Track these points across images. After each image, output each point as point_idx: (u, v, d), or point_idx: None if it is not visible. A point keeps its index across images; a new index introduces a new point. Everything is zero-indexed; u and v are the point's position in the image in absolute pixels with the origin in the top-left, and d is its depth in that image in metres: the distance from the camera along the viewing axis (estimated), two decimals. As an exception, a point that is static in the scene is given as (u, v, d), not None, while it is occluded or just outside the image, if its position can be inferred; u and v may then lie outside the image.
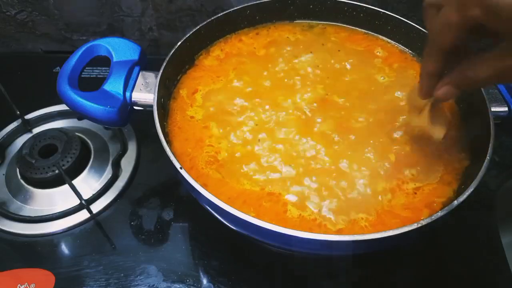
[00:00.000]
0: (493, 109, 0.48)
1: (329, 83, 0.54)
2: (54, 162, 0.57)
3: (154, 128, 0.45)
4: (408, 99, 0.47)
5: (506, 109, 0.50)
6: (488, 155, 0.42)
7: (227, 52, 0.59)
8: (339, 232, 0.41)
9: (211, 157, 0.47)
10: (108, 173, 0.61)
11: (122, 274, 0.52)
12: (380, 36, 0.61)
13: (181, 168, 0.41)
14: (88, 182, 0.60)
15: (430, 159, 0.47)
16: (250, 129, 0.49)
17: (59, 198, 0.58)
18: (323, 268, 0.53)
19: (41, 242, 0.55)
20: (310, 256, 0.52)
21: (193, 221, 0.57)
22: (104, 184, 0.59)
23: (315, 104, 0.52)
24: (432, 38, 0.37)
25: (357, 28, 0.62)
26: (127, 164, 0.62)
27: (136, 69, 0.53)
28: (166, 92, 0.52)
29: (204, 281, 0.51)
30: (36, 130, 0.67)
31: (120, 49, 0.53)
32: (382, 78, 0.55)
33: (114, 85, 0.50)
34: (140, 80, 0.52)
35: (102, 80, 0.51)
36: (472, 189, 0.40)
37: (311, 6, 0.62)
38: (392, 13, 0.58)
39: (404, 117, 0.50)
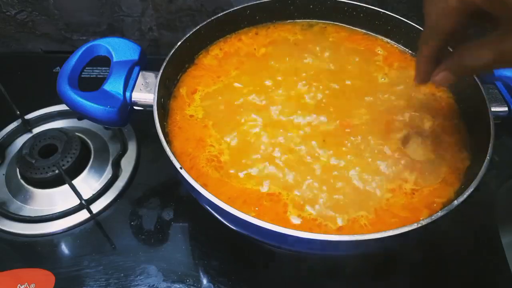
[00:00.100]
0: (493, 109, 0.48)
1: (329, 83, 0.54)
2: (54, 162, 0.57)
3: (154, 128, 0.45)
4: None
5: (506, 109, 0.50)
6: (488, 155, 0.42)
7: (226, 52, 0.59)
8: (339, 231, 0.41)
9: (211, 157, 0.47)
10: (108, 173, 0.61)
11: (122, 274, 0.52)
12: (380, 36, 0.61)
13: (181, 168, 0.41)
14: (88, 182, 0.60)
15: (432, 160, 0.47)
16: (250, 129, 0.49)
17: (59, 198, 0.58)
18: (324, 268, 0.53)
19: (41, 242, 0.55)
20: (310, 256, 0.52)
21: (193, 221, 0.57)
22: (104, 184, 0.59)
23: (315, 104, 0.52)
24: (430, 22, 0.36)
25: (357, 28, 0.62)
26: (127, 164, 0.62)
27: (136, 69, 0.53)
28: (166, 92, 0.52)
29: (204, 281, 0.51)
30: (36, 130, 0.67)
31: (120, 49, 0.53)
32: (383, 79, 0.55)
33: (114, 85, 0.50)
34: (140, 80, 0.52)
35: (102, 80, 0.51)
36: (472, 189, 0.40)
37: (311, 6, 0.62)
38: (392, 13, 0.58)
39: (404, 117, 0.50)
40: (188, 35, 0.55)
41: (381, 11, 0.59)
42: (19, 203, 0.58)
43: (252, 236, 0.41)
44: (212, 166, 0.46)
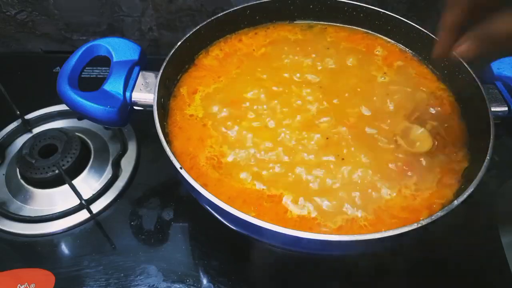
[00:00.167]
0: (493, 109, 0.48)
1: (328, 82, 0.54)
2: (54, 162, 0.57)
3: (154, 128, 0.45)
4: None
5: (506, 109, 0.50)
6: (488, 155, 0.42)
7: (226, 52, 0.59)
8: (338, 231, 0.41)
9: (211, 157, 0.47)
10: (108, 173, 0.61)
11: (122, 274, 0.52)
12: (380, 36, 0.61)
13: (181, 168, 0.41)
14: (88, 182, 0.60)
15: (431, 160, 0.47)
16: (250, 129, 0.49)
17: (59, 198, 0.58)
18: (324, 268, 0.53)
19: (41, 242, 0.55)
20: (310, 256, 0.52)
21: (193, 221, 0.57)
22: (104, 184, 0.59)
23: (315, 104, 0.52)
24: None
25: (357, 28, 0.62)
26: (127, 164, 0.62)
27: (136, 69, 0.53)
28: (166, 92, 0.52)
29: (204, 281, 0.51)
30: (36, 130, 0.67)
31: (120, 49, 0.53)
32: (383, 78, 0.55)
33: (114, 85, 0.50)
34: (140, 80, 0.52)
35: (102, 80, 0.51)
36: (472, 189, 0.40)
37: (311, 6, 0.62)
38: (392, 13, 0.58)
39: (404, 117, 0.51)
40: (188, 35, 0.55)
41: (381, 11, 0.59)
42: (19, 203, 0.58)
43: (252, 236, 0.41)
44: (212, 166, 0.46)
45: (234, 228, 0.42)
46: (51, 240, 0.55)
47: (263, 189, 0.44)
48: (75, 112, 0.50)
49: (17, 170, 0.60)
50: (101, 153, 0.63)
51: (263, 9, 0.61)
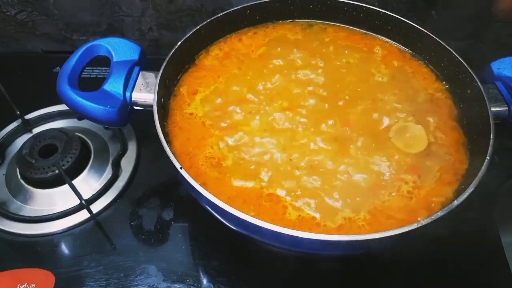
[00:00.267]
0: (493, 109, 0.48)
1: (328, 82, 0.54)
2: (54, 162, 0.57)
3: (154, 128, 0.45)
4: None
5: (506, 109, 0.50)
6: (488, 155, 0.42)
7: (226, 52, 0.59)
8: (338, 230, 0.41)
9: (210, 156, 0.47)
10: (108, 173, 0.61)
11: (122, 274, 0.52)
12: (379, 36, 0.61)
13: (181, 168, 0.41)
14: (88, 182, 0.60)
15: (431, 160, 0.47)
16: (250, 128, 0.49)
17: (59, 198, 0.58)
18: (323, 268, 0.53)
19: (41, 242, 0.55)
20: (310, 256, 0.52)
21: (193, 221, 0.57)
22: (104, 184, 0.59)
23: (314, 104, 0.52)
24: None
25: (357, 28, 0.62)
26: (127, 164, 0.62)
27: (136, 69, 0.53)
28: (166, 92, 0.52)
29: (204, 281, 0.51)
30: (36, 130, 0.67)
31: (120, 49, 0.53)
32: (381, 78, 0.55)
33: (114, 85, 0.50)
34: (140, 80, 0.52)
35: (102, 80, 0.51)
36: (472, 189, 0.40)
37: (311, 6, 0.62)
38: (392, 13, 0.58)
39: (404, 116, 0.51)
40: (188, 35, 0.55)
41: (381, 11, 0.59)
42: (19, 203, 0.58)
43: (252, 236, 0.41)
44: (211, 164, 0.46)
45: (234, 228, 0.42)
46: (51, 240, 0.55)
47: (262, 188, 0.44)
48: (75, 112, 0.50)
49: (17, 170, 0.60)
50: (101, 153, 0.63)
51: (263, 9, 0.61)
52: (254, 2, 0.60)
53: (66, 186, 0.56)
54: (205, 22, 0.57)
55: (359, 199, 0.44)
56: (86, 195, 0.58)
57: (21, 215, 0.56)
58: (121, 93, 0.50)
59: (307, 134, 0.49)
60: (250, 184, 0.45)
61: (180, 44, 0.53)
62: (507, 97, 0.51)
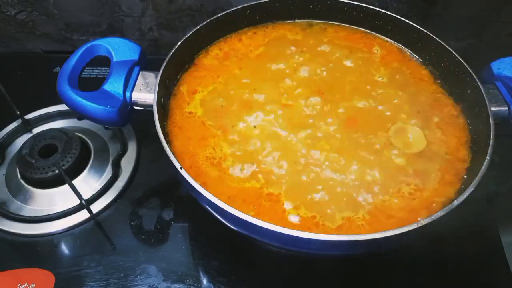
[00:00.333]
0: (493, 109, 0.48)
1: (328, 82, 0.54)
2: (54, 162, 0.57)
3: (154, 128, 0.45)
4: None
5: (506, 109, 0.50)
6: (488, 155, 0.42)
7: (225, 52, 0.59)
8: (337, 230, 0.41)
9: (210, 156, 0.47)
10: (108, 173, 0.61)
11: (122, 274, 0.52)
12: (379, 36, 0.61)
13: (181, 168, 0.41)
14: (88, 182, 0.60)
15: (431, 160, 0.47)
16: (249, 128, 0.49)
17: (59, 198, 0.58)
18: (323, 268, 0.53)
19: (41, 242, 0.55)
20: (310, 256, 0.52)
21: (193, 221, 0.57)
22: (104, 184, 0.59)
23: (314, 103, 0.52)
24: None
25: (357, 28, 0.62)
26: (127, 164, 0.62)
27: (136, 69, 0.53)
28: (166, 92, 0.52)
29: (204, 281, 0.51)
30: (36, 130, 0.67)
31: (120, 49, 0.53)
32: (380, 78, 0.55)
33: (114, 85, 0.50)
34: (140, 80, 0.52)
35: (102, 80, 0.51)
36: (472, 189, 0.40)
37: (311, 6, 0.62)
38: (392, 13, 0.58)
39: (404, 116, 0.51)
40: (188, 35, 0.55)
41: (381, 11, 0.59)
42: (19, 203, 0.58)
43: (252, 236, 0.41)
44: (211, 164, 0.46)
45: (234, 228, 0.42)
46: (51, 240, 0.55)
47: (261, 187, 0.44)
48: (75, 112, 0.50)
49: (17, 170, 0.60)
50: (101, 153, 0.63)
51: (263, 9, 0.61)
52: (254, 2, 0.60)
53: (66, 186, 0.56)
54: (205, 22, 0.57)
55: (359, 198, 0.44)
56: (86, 195, 0.58)
57: (21, 215, 0.56)
58: (121, 93, 0.50)
59: (307, 133, 0.49)
60: (249, 183, 0.45)
61: (180, 44, 0.53)
62: (507, 97, 0.51)
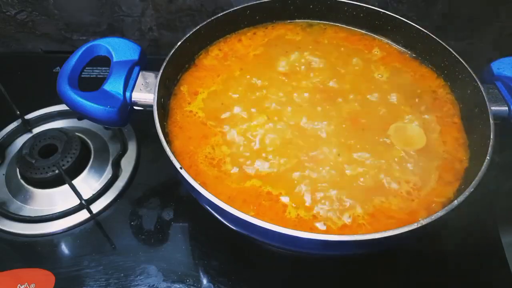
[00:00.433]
0: (493, 109, 0.48)
1: (328, 82, 0.54)
2: (54, 162, 0.57)
3: (154, 128, 0.45)
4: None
5: (506, 109, 0.50)
6: (488, 155, 0.42)
7: (225, 52, 0.59)
8: (337, 230, 0.41)
9: (210, 155, 0.47)
10: (108, 173, 0.61)
11: (122, 274, 0.52)
12: (379, 37, 0.61)
13: (181, 168, 0.41)
14: (88, 182, 0.60)
15: (431, 160, 0.47)
16: (249, 127, 0.50)
17: (59, 198, 0.58)
18: (323, 268, 0.53)
19: (41, 242, 0.55)
20: (310, 256, 0.52)
21: (193, 221, 0.57)
22: (104, 184, 0.59)
23: (314, 103, 0.52)
24: None
25: (357, 29, 0.62)
26: (127, 164, 0.62)
27: (136, 69, 0.53)
28: (166, 92, 0.52)
29: (204, 281, 0.51)
30: (36, 130, 0.67)
31: (120, 49, 0.53)
32: (380, 76, 0.55)
33: (114, 85, 0.50)
34: (140, 80, 0.52)
35: (102, 80, 0.51)
36: (472, 189, 0.40)
37: (311, 6, 0.62)
38: (392, 13, 0.58)
39: (404, 116, 0.51)
40: (188, 35, 0.55)
41: (381, 11, 0.59)
42: (19, 203, 0.58)
43: (252, 236, 0.41)
44: (211, 164, 0.46)
45: (234, 228, 0.42)
46: (51, 240, 0.55)
47: (261, 187, 0.44)
48: (75, 112, 0.50)
49: (17, 170, 0.60)
50: (101, 153, 0.63)
51: (263, 9, 0.61)
52: (254, 2, 0.60)
53: (66, 186, 0.56)
54: (205, 22, 0.57)
55: (359, 198, 0.44)
56: (86, 195, 0.57)
57: (21, 215, 0.56)
58: (121, 93, 0.50)
59: (307, 133, 0.49)
60: (249, 183, 0.45)
61: (180, 44, 0.53)
62: (507, 97, 0.51)
